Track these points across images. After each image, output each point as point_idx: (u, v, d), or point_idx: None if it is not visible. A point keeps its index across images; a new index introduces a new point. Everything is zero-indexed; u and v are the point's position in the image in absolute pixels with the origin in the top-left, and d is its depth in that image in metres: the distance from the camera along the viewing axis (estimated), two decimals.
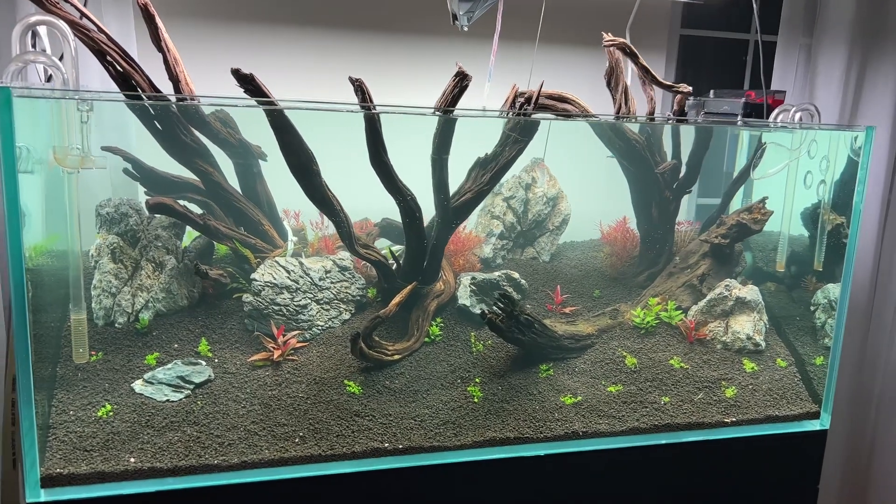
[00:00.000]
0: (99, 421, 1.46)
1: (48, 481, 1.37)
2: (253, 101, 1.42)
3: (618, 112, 1.96)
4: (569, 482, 1.65)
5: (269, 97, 1.44)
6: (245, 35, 2.10)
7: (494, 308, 1.64)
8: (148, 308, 1.63)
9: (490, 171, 1.66)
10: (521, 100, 1.74)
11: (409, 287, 1.67)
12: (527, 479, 1.62)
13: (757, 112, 2.04)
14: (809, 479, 1.87)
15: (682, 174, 1.94)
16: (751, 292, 1.88)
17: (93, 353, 1.56)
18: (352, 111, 1.47)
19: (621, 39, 1.79)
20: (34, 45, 1.57)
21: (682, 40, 2.90)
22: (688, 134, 1.99)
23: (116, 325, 1.62)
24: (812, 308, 1.95)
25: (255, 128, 1.71)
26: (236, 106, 1.44)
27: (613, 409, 1.71)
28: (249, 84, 1.42)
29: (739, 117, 2.06)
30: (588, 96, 1.92)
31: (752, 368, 1.86)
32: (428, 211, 1.67)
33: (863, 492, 2.99)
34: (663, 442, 1.71)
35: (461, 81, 1.58)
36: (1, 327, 1.87)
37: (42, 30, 1.50)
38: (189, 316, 1.67)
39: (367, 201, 1.75)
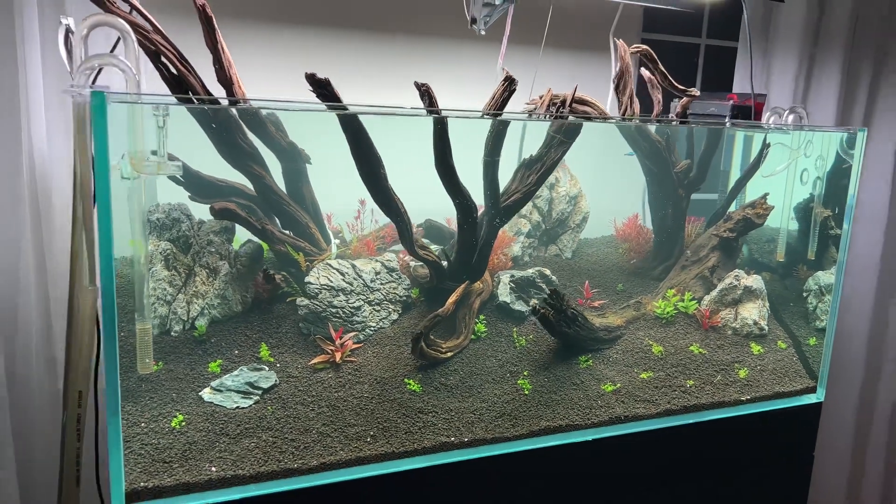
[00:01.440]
0: (173, 432, 1.43)
1: (133, 496, 1.33)
2: (323, 107, 1.44)
3: (623, 114, 2.08)
4: (615, 463, 1.75)
5: (342, 102, 1.45)
6: (280, 37, 2.08)
7: (545, 303, 1.72)
8: (203, 315, 1.60)
9: (536, 172, 1.73)
10: (557, 103, 1.83)
11: (463, 286, 1.72)
12: (579, 463, 1.71)
13: (744, 114, 2.21)
14: (808, 447, 2.06)
15: (692, 173, 2.08)
16: (755, 281, 2.05)
17: (154, 363, 1.52)
18: (416, 115, 1.50)
19: (644, 47, 1.90)
20: (68, 46, 1.51)
21: (642, 43, 3.07)
22: (691, 134, 2.13)
23: (172, 333, 1.58)
24: (805, 294, 2.14)
25: (299, 130, 1.72)
26: (312, 111, 1.44)
27: (647, 394, 1.82)
28: (324, 89, 1.42)
29: (728, 119, 2.23)
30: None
31: (759, 351, 2.02)
32: None
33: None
34: (691, 421, 1.84)
35: (509, 86, 1.64)
36: (59, 342, 1.79)
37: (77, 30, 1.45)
38: (244, 321, 1.65)
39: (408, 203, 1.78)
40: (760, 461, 2.00)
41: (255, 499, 1.40)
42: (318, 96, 1.44)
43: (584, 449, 1.71)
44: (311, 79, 1.42)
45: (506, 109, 1.64)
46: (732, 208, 2.18)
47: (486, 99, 2.18)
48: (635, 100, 2.11)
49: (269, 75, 1.99)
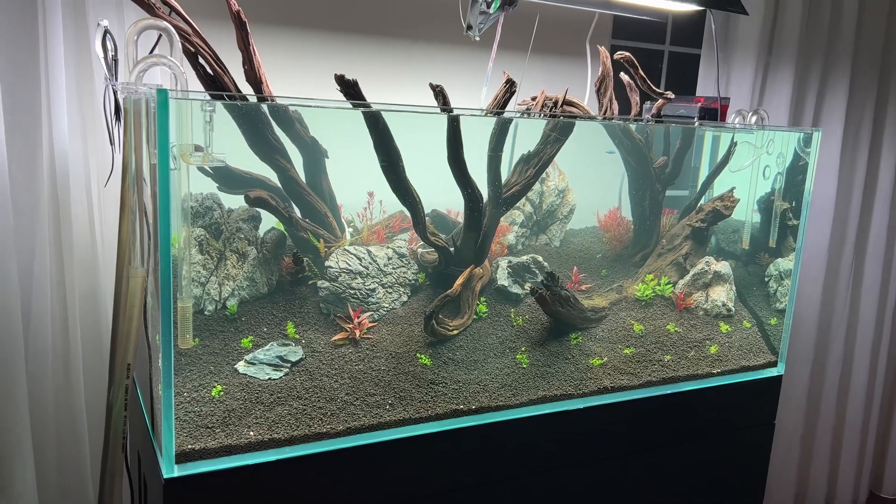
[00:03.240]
0: (213, 401, 1.56)
1: (181, 457, 1.47)
2: (348, 104, 1.59)
3: (604, 115, 2.28)
4: (603, 428, 1.95)
5: (366, 101, 1.61)
6: (299, 40, 2.22)
7: (541, 284, 1.90)
8: (234, 296, 1.74)
9: (533, 166, 1.91)
10: (550, 103, 2.01)
11: (469, 269, 1.89)
12: (572, 428, 1.90)
13: (710, 115, 2.43)
14: (769, 415, 2.29)
15: (668, 169, 2.29)
16: (724, 266, 2.27)
17: (193, 339, 1.65)
18: (431, 113, 1.67)
19: (627, 53, 2.10)
20: (105, 46, 1.64)
21: (612, 49, 3.29)
22: (663, 134, 2.34)
23: (206, 312, 1.71)
24: (766, 279, 2.37)
25: (319, 126, 1.86)
26: (342, 108, 1.59)
27: (631, 367, 2.02)
28: (352, 89, 1.58)
29: (696, 119, 2.45)
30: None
31: (727, 329, 2.24)
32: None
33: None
34: (669, 391, 2.05)
35: (510, 87, 1.82)
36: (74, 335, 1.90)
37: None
38: (270, 302, 1.79)
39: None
40: (729, 428, 2.22)
41: (289, 460, 1.55)
42: (345, 96, 1.59)
43: (576, 416, 1.90)
44: (341, 79, 1.57)
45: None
46: (704, 201, 2.40)
47: (475, 100, 2.35)
48: (614, 101, 2.32)
49: (280, 75, 2.13)
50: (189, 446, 1.48)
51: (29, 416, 1.86)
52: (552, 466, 1.89)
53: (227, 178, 1.78)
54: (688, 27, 3.15)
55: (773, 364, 2.25)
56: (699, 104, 2.46)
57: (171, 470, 1.46)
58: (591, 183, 2.39)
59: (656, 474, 2.09)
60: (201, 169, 1.77)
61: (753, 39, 3.11)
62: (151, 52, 1.67)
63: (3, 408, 1.82)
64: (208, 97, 1.49)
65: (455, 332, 1.89)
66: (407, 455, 1.69)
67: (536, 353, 1.95)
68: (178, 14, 1.59)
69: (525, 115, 2.06)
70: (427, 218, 1.99)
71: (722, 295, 2.25)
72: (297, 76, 2.22)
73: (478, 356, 1.89)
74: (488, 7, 2.19)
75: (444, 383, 1.79)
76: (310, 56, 2.27)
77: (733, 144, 2.27)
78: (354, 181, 1.99)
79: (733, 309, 2.28)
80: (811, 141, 2.17)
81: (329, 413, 1.63)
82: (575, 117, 2.13)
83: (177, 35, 1.54)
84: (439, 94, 1.68)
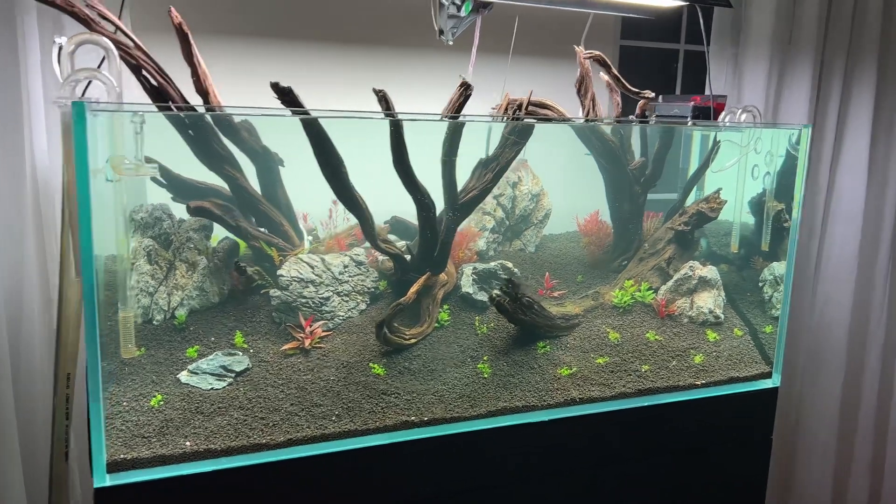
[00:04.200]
0: (152, 410, 1.57)
1: (113, 466, 1.47)
2: (282, 111, 1.57)
3: (586, 116, 2.20)
4: (570, 443, 1.87)
5: (303, 108, 1.59)
6: (259, 50, 2.24)
7: (500, 292, 1.84)
8: (183, 305, 1.74)
9: (492, 170, 1.86)
10: (514, 106, 1.95)
11: (425, 276, 1.85)
12: (535, 442, 1.83)
13: (704, 114, 2.32)
14: (765, 430, 2.16)
15: (648, 170, 2.20)
16: (710, 271, 2.16)
17: (136, 348, 1.66)
18: (375, 119, 1.64)
19: (597, 52, 2.03)
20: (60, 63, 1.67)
21: (621, 50, 3.19)
22: (649, 135, 2.25)
23: (154, 322, 1.72)
24: (760, 284, 2.24)
25: (272, 135, 1.86)
26: (275, 116, 1.58)
27: (603, 377, 1.94)
28: (287, 95, 1.56)
29: (689, 119, 2.35)
30: (554, 100, 2.15)
31: (715, 338, 2.13)
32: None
33: (792, 445, 3.38)
34: (646, 404, 1.96)
35: (465, 91, 1.77)
36: (45, 328, 1.94)
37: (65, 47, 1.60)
38: (221, 311, 1.80)
39: (376, 202, 1.92)
40: (719, 443, 2.10)
41: (225, 471, 1.54)
42: (282, 103, 1.58)
43: (540, 429, 1.83)
44: (276, 87, 1.56)
45: (464, 112, 1.77)
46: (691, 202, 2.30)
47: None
48: (598, 102, 2.24)
49: (247, 86, 2.14)
50: (122, 456, 1.48)
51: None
52: (511, 482, 1.82)
53: (182, 188, 1.80)
54: (701, 23, 3.03)
55: (768, 375, 2.13)
56: (692, 103, 2.36)
57: (103, 479, 1.46)
58: (571, 187, 2.32)
59: (629, 494, 1.99)
60: (155, 180, 1.79)
61: (767, 34, 2.96)
62: (99, 66, 1.70)
63: None
64: (131, 109, 1.50)
65: (412, 340, 1.85)
66: (352, 469, 1.65)
67: (500, 362, 1.89)
68: (119, 29, 1.61)
69: (496, 119, 2.00)
70: (387, 225, 1.97)
71: (708, 301, 2.14)
72: (264, 86, 2.23)
73: (436, 366, 1.84)
74: (458, 10, 2.15)
75: (396, 394, 1.75)
76: (287, 66, 2.28)
77: (716, 144, 2.16)
78: (319, 190, 1.98)
79: (722, 316, 2.17)
80: (800, 138, 2.05)
81: (271, 424, 1.61)
82: (544, 119, 2.07)
83: (114, 49, 1.55)
84: (382, 98, 1.65)
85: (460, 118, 1.79)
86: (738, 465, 2.14)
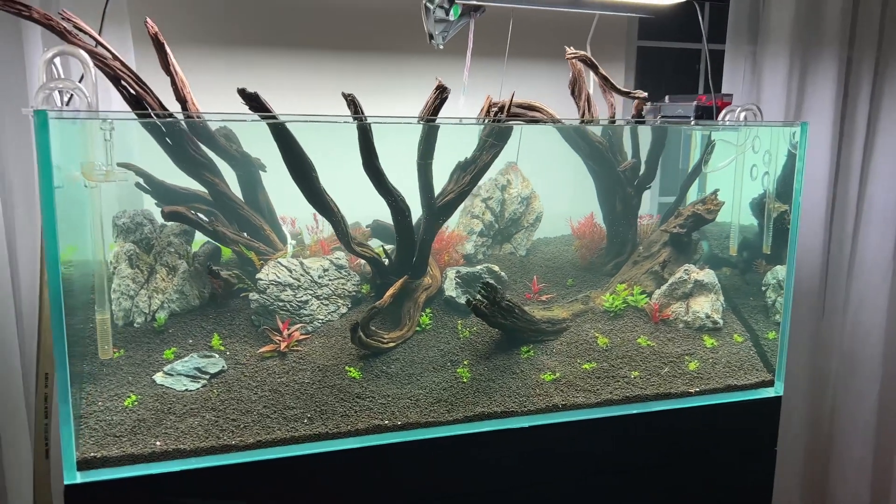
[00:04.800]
0: (126, 410, 1.61)
1: (83, 464, 1.51)
2: (255, 117, 1.60)
3: (582, 117, 2.17)
4: (551, 450, 1.83)
5: (272, 112, 1.61)
6: (241, 58, 2.29)
7: (478, 296, 1.82)
8: (163, 308, 1.78)
9: (470, 173, 1.85)
10: (495, 108, 1.94)
11: (401, 280, 1.84)
12: (513, 449, 1.80)
13: (707, 114, 2.25)
14: (768, 442, 2.07)
15: (641, 172, 2.15)
16: (707, 275, 2.09)
17: (115, 350, 1.71)
18: (346, 122, 1.65)
19: (582, 52, 2.00)
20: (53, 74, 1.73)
21: (639, 51, 3.13)
22: (646, 136, 2.20)
23: (135, 324, 1.77)
24: (763, 288, 2.16)
25: (254, 141, 1.89)
26: (243, 121, 1.61)
27: (588, 383, 1.89)
28: (254, 101, 1.59)
29: (692, 118, 2.28)
30: (554, 105, 2.13)
31: (712, 344, 2.06)
32: (415, 211, 1.85)
33: (825, 458, 3.23)
34: (635, 412, 1.90)
35: (441, 94, 1.76)
36: (32, 330, 2.02)
37: (57, 60, 1.66)
38: (201, 314, 1.83)
39: (361, 206, 1.93)
40: (718, 455, 2.03)
41: (194, 471, 1.56)
42: (249, 108, 1.60)
43: (520, 436, 1.79)
44: (242, 93, 1.58)
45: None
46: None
47: (452, 110, 2.30)
48: (594, 103, 2.20)
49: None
50: (92, 454, 1.52)
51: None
52: (487, 489, 1.79)
53: (164, 194, 1.84)
54: (720, 23, 2.95)
55: (770, 384, 2.04)
56: (695, 103, 2.30)
57: (73, 476, 1.51)
58: (567, 189, 2.28)
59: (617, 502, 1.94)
60: (139, 186, 1.84)
61: (787, 30, 2.85)
62: (81, 79, 1.76)
63: None
64: (93, 117, 1.55)
65: (391, 344, 1.85)
66: (322, 471, 1.66)
67: (480, 366, 1.87)
68: (97, 41, 1.66)
69: (479, 122, 1.99)
70: (368, 229, 1.97)
71: (705, 306, 2.07)
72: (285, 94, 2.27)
73: (414, 369, 1.83)
74: (447, 14, 2.15)
75: (371, 397, 1.74)
76: (285, 74, 2.32)
77: (710, 144, 2.09)
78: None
79: (721, 321, 2.09)
80: (799, 136, 1.97)
81: (242, 425, 1.63)
82: (537, 121, 2.05)
83: (89, 60, 1.61)
84: (351, 102, 1.66)
85: (436, 121, 1.78)
86: (739, 480, 2.06)
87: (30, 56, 2.00)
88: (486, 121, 1.89)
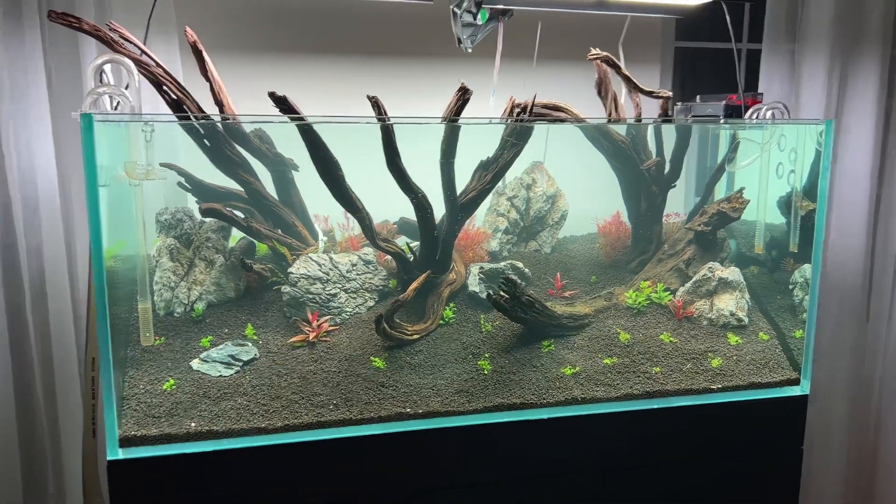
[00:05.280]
0: (164, 393, 1.72)
1: (124, 442, 1.63)
2: (285, 118, 1.70)
3: (609, 115, 2.20)
4: (569, 442, 1.87)
5: (300, 114, 1.71)
6: (276, 63, 2.40)
7: (499, 290, 1.88)
8: (201, 299, 1.90)
9: (491, 171, 1.91)
10: (518, 109, 1.99)
11: (424, 275, 1.92)
12: (531, 440, 1.85)
13: (736, 113, 2.26)
14: (794, 441, 2.06)
15: (666, 171, 2.17)
16: (732, 273, 2.10)
17: (157, 337, 1.83)
18: (370, 123, 1.73)
19: (605, 53, 2.03)
20: (102, 80, 1.87)
21: (680, 52, 3.13)
22: (672, 135, 2.22)
23: (175, 314, 1.89)
24: (791, 287, 2.15)
25: (288, 142, 1.99)
26: (270, 123, 1.71)
27: (608, 378, 1.93)
28: (283, 104, 1.68)
29: (721, 117, 2.29)
30: (585, 105, 2.17)
31: (737, 341, 2.06)
32: (439, 208, 1.92)
33: (871, 465, 3.15)
34: (655, 406, 1.93)
35: (463, 95, 1.83)
36: (81, 319, 2.18)
37: (108, 67, 1.79)
38: (236, 306, 1.94)
39: (390, 204, 2.00)
40: (741, 453, 2.03)
41: (225, 452, 1.66)
42: (280, 111, 1.70)
43: (538, 427, 1.84)
44: (272, 96, 1.68)
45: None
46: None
47: (486, 110, 2.36)
48: (620, 103, 2.24)
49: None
50: (133, 433, 1.64)
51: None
52: (504, 477, 1.85)
53: (204, 192, 1.96)
54: (758, 20, 2.93)
55: (795, 382, 2.04)
56: (724, 102, 2.31)
57: (115, 453, 1.63)
58: (595, 188, 2.32)
59: (636, 499, 1.96)
60: (181, 185, 1.97)
61: (826, 28, 2.81)
62: (127, 86, 1.89)
63: None
64: (138, 119, 1.67)
65: (415, 336, 1.92)
66: (345, 456, 1.74)
67: (501, 359, 1.92)
68: (141, 49, 1.79)
69: (501, 121, 2.05)
70: (395, 225, 2.06)
71: (730, 304, 2.08)
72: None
73: (437, 361, 1.90)
74: (474, 18, 2.22)
75: (394, 386, 1.82)
76: (318, 79, 2.43)
77: (734, 142, 2.10)
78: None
79: (745, 319, 2.10)
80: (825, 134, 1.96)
81: (271, 410, 1.73)
82: (562, 121, 2.10)
83: (133, 67, 1.73)
84: (374, 104, 1.74)
85: (458, 122, 1.85)
86: (764, 477, 2.06)
87: (85, 64, 2.15)
88: (509, 121, 1.95)
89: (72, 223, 2.20)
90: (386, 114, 1.74)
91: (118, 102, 1.76)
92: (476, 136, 1.99)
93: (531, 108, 1.99)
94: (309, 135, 1.71)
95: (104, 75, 1.79)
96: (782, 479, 2.08)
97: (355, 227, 2.11)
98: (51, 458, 2.24)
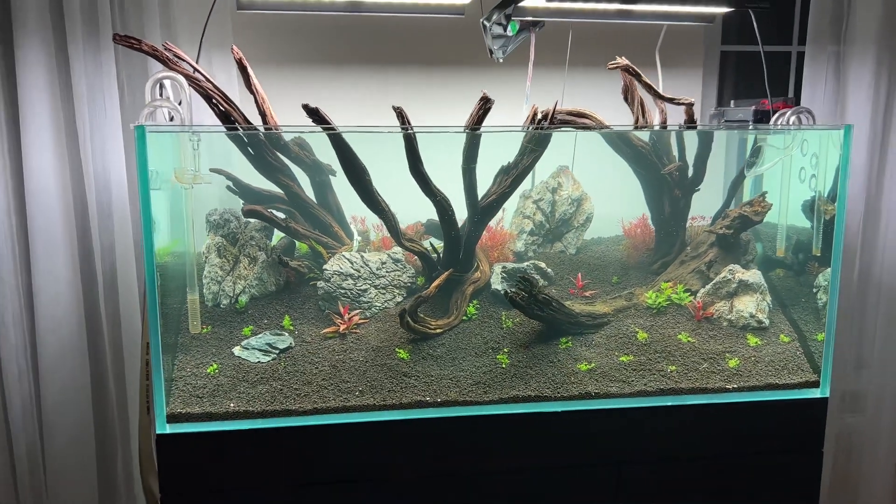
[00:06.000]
0: (208, 376, 1.91)
1: (171, 418, 1.83)
2: (318, 129, 1.86)
3: (636, 122, 2.27)
4: (581, 435, 1.96)
5: (330, 124, 1.86)
6: (323, 75, 2.59)
7: (516, 288, 1.99)
8: (245, 293, 2.09)
9: (511, 175, 2.02)
10: (539, 116, 2.09)
11: (446, 273, 2.05)
12: (545, 432, 1.95)
13: (766, 118, 2.29)
14: (814, 443, 2.08)
15: (691, 174, 2.22)
16: (753, 275, 2.14)
17: (204, 326, 2.02)
18: (391, 132, 1.88)
19: (625, 61, 2.11)
20: (161, 94, 2.08)
21: (723, 56, 3.15)
22: (698, 140, 2.27)
23: (221, 305, 2.08)
24: (815, 290, 2.17)
25: (326, 150, 2.15)
26: (303, 132, 1.87)
27: (624, 375, 2.00)
28: (315, 115, 1.84)
29: (750, 122, 2.33)
30: (615, 112, 2.24)
31: (756, 343, 2.10)
32: (461, 211, 2.05)
33: None
34: (668, 403, 1.99)
35: (485, 104, 1.95)
36: (137, 309, 2.41)
37: (167, 82, 2.00)
38: (276, 299, 2.12)
39: (422, 207, 2.13)
40: (759, 453, 2.07)
41: (259, 430, 1.84)
42: (313, 121, 1.87)
43: (552, 420, 1.94)
44: (306, 108, 1.84)
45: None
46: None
47: (516, 117, 2.46)
48: (647, 109, 2.30)
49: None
50: (179, 410, 1.84)
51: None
52: (515, 468, 1.95)
53: (250, 195, 2.15)
54: (802, 22, 2.92)
55: (815, 384, 2.06)
56: (753, 107, 2.35)
57: (164, 427, 1.83)
58: (621, 192, 2.39)
59: (647, 495, 2.02)
60: (230, 188, 2.16)
61: (873, 30, 2.78)
62: (180, 103, 2.09)
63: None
64: (182, 130, 1.86)
65: (438, 330, 2.05)
66: (367, 439, 1.89)
67: (520, 354, 2.03)
68: (193, 67, 1.99)
69: (524, 129, 2.15)
70: (422, 225, 2.20)
71: (750, 305, 2.12)
72: (336, 108, 2.54)
73: (457, 354, 2.03)
74: (504, 30, 2.33)
75: (416, 376, 1.96)
76: (355, 90, 2.59)
77: (756, 148, 2.14)
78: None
79: (766, 321, 2.13)
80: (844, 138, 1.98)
81: (303, 394, 1.89)
82: (589, 128, 2.18)
83: (185, 83, 1.93)
84: (399, 114, 1.88)
85: (479, 130, 1.97)
86: (782, 479, 2.08)
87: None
88: (530, 128, 2.05)
89: (139, 224, 2.44)
90: (409, 123, 1.88)
91: (172, 115, 1.97)
92: (505, 142, 2.10)
93: (552, 116, 2.09)
94: (338, 143, 1.87)
95: (164, 90, 2.00)
96: (800, 482, 2.10)
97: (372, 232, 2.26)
98: (119, 436, 2.49)
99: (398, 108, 1.87)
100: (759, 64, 3.37)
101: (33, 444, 2.42)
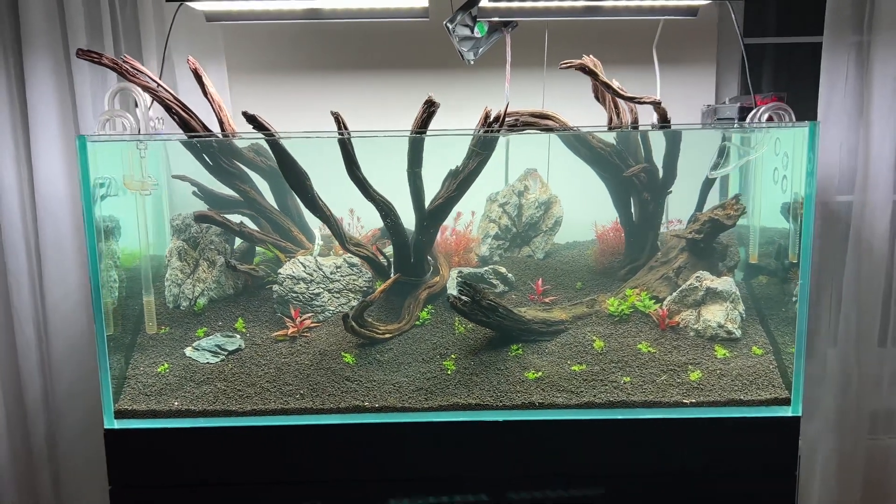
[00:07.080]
0: (158, 375, 1.98)
1: (119, 414, 1.90)
2: (260, 134, 1.89)
3: (610, 122, 2.18)
4: (523, 446, 1.90)
5: (269, 130, 1.89)
6: (320, 81, 2.61)
7: (456, 293, 1.95)
8: (203, 295, 2.15)
9: (458, 179, 1.98)
10: (490, 119, 2.04)
11: (393, 278, 2.03)
12: (484, 442, 1.90)
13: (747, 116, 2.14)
14: (785, 464, 1.92)
15: (661, 176, 2.11)
16: (723, 283, 2.00)
17: (162, 327, 2.10)
18: (330, 137, 1.88)
19: (578, 61, 2.02)
20: (136, 105, 2.18)
21: (747, 49, 2.96)
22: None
23: (181, 307, 2.15)
24: (793, 298, 2.00)
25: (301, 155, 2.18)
26: (248, 139, 1.91)
27: (573, 385, 1.92)
28: (254, 121, 1.88)
29: (735, 120, 2.19)
30: (601, 111, 2.15)
31: (724, 355, 1.97)
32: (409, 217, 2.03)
33: None
34: (619, 417, 1.89)
35: (429, 108, 1.92)
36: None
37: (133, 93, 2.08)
38: (233, 302, 2.17)
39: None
40: (725, 472, 1.94)
41: (200, 429, 1.89)
42: (253, 127, 1.90)
43: (492, 429, 1.89)
44: (245, 115, 1.88)
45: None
46: None
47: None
48: (622, 107, 2.20)
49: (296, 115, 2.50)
50: (126, 407, 1.91)
51: None
52: (452, 475, 1.91)
53: (213, 200, 2.21)
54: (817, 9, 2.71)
55: (786, 402, 1.91)
56: (738, 105, 2.21)
57: (112, 423, 1.91)
58: (595, 196, 2.29)
59: None
60: (194, 193, 2.23)
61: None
62: (150, 107, 2.17)
63: None
64: (128, 138, 1.94)
65: (387, 335, 2.04)
66: (304, 441, 1.90)
67: (467, 360, 1.99)
68: (151, 78, 2.06)
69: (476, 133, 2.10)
70: (378, 231, 2.19)
71: (718, 315, 1.98)
72: (311, 116, 2.55)
73: (404, 359, 2.01)
74: (472, 32, 2.29)
75: (358, 381, 1.95)
76: (333, 95, 2.61)
77: (721, 147, 2.00)
78: (341, 200, 2.24)
79: (736, 332, 1.99)
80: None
81: (245, 395, 1.93)
82: (552, 130, 2.12)
83: (143, 94, 2.01)
84: (336, 119, 1.89)
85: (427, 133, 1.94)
86: (747, 502, 1.94)
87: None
88: (481, 131, 2.00)
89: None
90: (346, 127, 1.88)
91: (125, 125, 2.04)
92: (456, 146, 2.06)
93: (503, 119, 2.03)
94: (277, 149, 1.89)
95: (143, 101, 2.08)
96: (773, 500, 1.95)
97: (354, 232, 2.27)
98: None
99: (335, 113, 1.88)
100: (785, 56, 3.17)
101: (49, 431, 2.61)
